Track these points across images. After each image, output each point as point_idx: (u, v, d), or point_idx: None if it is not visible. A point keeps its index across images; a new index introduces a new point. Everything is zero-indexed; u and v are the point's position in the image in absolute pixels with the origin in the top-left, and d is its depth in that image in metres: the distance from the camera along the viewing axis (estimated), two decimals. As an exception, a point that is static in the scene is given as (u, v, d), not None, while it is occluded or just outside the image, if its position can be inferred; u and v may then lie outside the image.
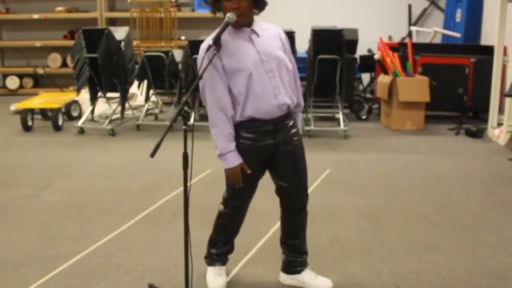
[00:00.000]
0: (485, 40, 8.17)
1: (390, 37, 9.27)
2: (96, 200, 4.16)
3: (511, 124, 6.11)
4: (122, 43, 6.45)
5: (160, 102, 7.58)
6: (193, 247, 3.15)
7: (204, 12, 9.01)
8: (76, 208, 3.98)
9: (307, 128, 6.41)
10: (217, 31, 2.40)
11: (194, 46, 6.40)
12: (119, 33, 6.48)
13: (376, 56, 7.14)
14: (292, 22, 7.69)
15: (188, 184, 2.42)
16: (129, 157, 5.43)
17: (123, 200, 4.17)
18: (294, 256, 2.79)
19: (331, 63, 6.39)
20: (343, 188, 4.53)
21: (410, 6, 9.48)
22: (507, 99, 6.04)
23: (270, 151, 2.58)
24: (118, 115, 6.70)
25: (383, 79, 7.09)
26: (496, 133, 6.34)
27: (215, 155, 2.55)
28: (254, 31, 2.48)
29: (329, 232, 3.56)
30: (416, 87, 6.82)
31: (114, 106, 6.86)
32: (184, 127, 2.38)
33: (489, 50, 7.34)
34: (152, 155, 2.35)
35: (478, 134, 6.55)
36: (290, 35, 6.38)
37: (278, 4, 9.08)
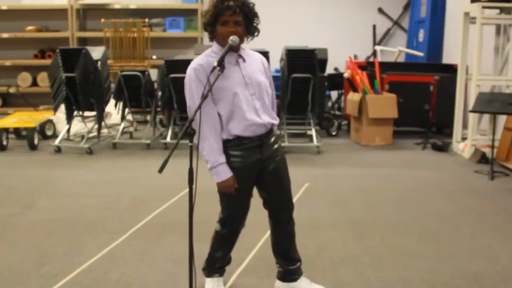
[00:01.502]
0: (446, 59, 8.57)
1: (355, 56, 9.59)
2: (83, 218, 4.19)
3: (475, 138, 6.44)
4: (99, 63, 6.50)
5: (134, 121, 7.62)
6: (185, 260, 3.26)
7: (175, 32, 9.17)
8: (64, 226, 4.00)
9: (281, 144, 6.57)
10: (217, 53, 2.60)
11: (170, 65, 6.52)
12: (96, 52, 6.53)
13: (346, 75, 7.40)
14: (263, 41, 7.89)
15: (193, 198, 2.52)
16: (109, 175, 5.47)
17: (111, 217, 4.21)
18: (289, 264, 2.92)
19: (304, 82, 6.60)
20: (323, 200, 4.70)
21: (374, 27, 9.85)
22: (471, 115, 6.36)
23: (259, 166, 2.70)
24: (94, 134, 6.72)
25: (353, 97, 7.35)
26: (461, 147, 6.66)
27: (207, 169, 2.64)
28: (241, 56, 2.65)
29: (315, 242, 3.70)
30: (384, 104, 7.10)
31: (89, 124, 6.88)
32: (190, 144, 2.48)
33: (451, 68, 7.73)
34: (160, 171, 2.45)
35: (443, 148, 6.86)
36: (265, 55, 6.58)
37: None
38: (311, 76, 6.55)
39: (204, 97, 2.46)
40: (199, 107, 2.45)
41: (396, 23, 9.90)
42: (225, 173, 2.62)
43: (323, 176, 5.50)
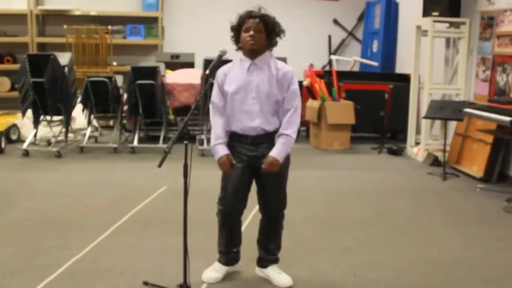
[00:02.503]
0: (399, 69, 9.20)
1: (311, 65, 10.12)
2: (64, 216, 4.44)
3: (427, 143, 7.04)
4: (66, 68, 6.72)
5: (98, 126, 7.85)
6: (170, 252, 3.62)
7: (136, 39, 9.44)
8: (48, 223, 4.25)
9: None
10: (243, 60, 3.09)
11: (137, 72, 6.81)
12: (63, 58, 6.75)
13: (305, 83, 7.89)
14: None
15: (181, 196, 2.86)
16: (82, 177, 5.70)
17: (91, 215, 4.48)
18: (265, 254, 3.32)
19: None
20: (292, 200, 5.08)
21: (330, 37, 10.43)
22: (423, 121, 6.96)
23: (253, 162, 3.10)
24: (59, 138, 6.92)
25: (312, 104, 7.84)
26: (415, 151, 7.25)
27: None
28: (255, 64, 3.04)
29: (289, 236, 4.05)
30: (342, 111, 7.62)
31: (54, 129, 7.06)
32: (185, 142, 2.84)
33: (404, 77, 8.34)
34: (160, 165, 2.85)
35: (398, 152, 7.43)
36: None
37: (210, 33, 9.73)
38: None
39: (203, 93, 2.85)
40: (203, 100, 2.82)
41: (351, 33, 10.51)
42: (220, 152, 3.07)
43: (290, 178, 5.91)
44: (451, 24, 6.97)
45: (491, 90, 6.39)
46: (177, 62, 8.53)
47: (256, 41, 2.97)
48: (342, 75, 8.34)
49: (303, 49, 10.03)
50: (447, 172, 6.19)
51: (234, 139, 3.13)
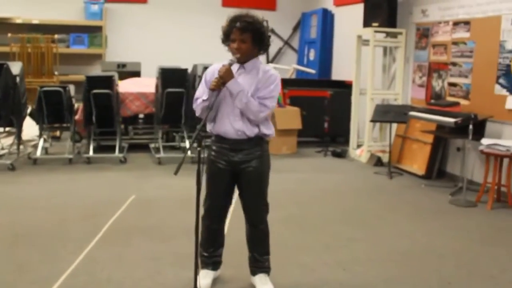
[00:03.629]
0: (336, 76, 9.51)
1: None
2: (42, 230, 4.24)
3: (370, 145, 7.33)
4: (17, 78, 6.41)
5: (49, 136, 7.53)
6: (162, 258, 3.58)
7: (79, 49, 9.13)
8: (27, 238, 4.04)
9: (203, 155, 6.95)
10: (234, 61, 3.02)
11: (91, 81, 6.61)
12: (14, 68, 6.42)
13: (254, 90, 7.97)
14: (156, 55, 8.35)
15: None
16: (44, 189, 5.45)
17: (69, 227, 4.31)
18: (253, 261, 3.29)
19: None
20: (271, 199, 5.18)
21: (267, 46, 10.59)
22: (367, 124, 7.24)
23: (232, 166, 3.08)
24: (6, 151, 6.60)
25: (261, 110, 7.93)
26: (358, 152, 7.53)
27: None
28: (243, 68, 3.05)
29: (272, 238, 4.09)
30: (290, 117, 7.78)
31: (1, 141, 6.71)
32: (198, 148, 2.83)
33: (342, 84, 8.63)
34: (176, 173, 2.80)
35: (342, 154, 7.69)
36: (184, 72, 6.95)
37: (154, 42, 9.61)
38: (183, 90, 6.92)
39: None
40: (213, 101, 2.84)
41: (287, 43, 10.73)
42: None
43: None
44: (388, 34, 7.31)
45: (427, 95, 6.78)
46: (124, 71, 8.33)
47: (241, 52, 2.96)
48: (286, 82, 8.49)
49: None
50: (392, 171, 6.49)
51: (216, 141, 3.11)
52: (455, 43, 6.24)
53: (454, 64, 6.25)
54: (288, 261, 3.69)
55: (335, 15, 9.49)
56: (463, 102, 6.03)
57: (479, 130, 5.47)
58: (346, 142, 8.04)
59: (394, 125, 7.15)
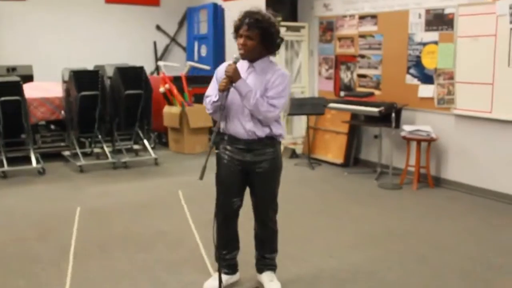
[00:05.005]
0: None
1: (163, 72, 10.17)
2: (6, 252, 4.08)
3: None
4: None
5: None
6: (153, 267, 3.72)
7: None
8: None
9: (123, 160, 6.91)
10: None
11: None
12: None
13: (162, 90, 8.05)
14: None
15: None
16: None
17: (33, 247, 4.19)
18: (260, 258, 3.52)
19: (135, 98, 7.02)
20: (205, 201, 5.32)
21: (155, 43, 10.61)
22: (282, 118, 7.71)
23: (244, 166, 3.25)
24: None
25: (171, 110, 8.04)
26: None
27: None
28: (253, 67, 3.18)
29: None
30: (201, 115, 7.98)
31: None
32: (216, 151, 3.02)
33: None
34: (201, 178, 2.91)
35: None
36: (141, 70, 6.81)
37: (45, 44, 9.16)
38: (142, 92, 7.01)
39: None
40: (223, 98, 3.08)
41: (173, 39, 10.84)
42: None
43: (185, 183, 6.14)
44: (289, 28, 7.85)
45: (336, 86, 7.46)
46: (14, 76, 7.86)
47: (246, 49, 3.06)
48: (189, 80, 8.66)
49: (130, 56, 9.93)
50: (311, 162, 7.06)
51: (229, 142, 3.24)
52: (362, 36, 6.97)
53: (362, 56, 6.99)
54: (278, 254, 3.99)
55: (225, 10, 9.83)
56: (375, 92, 6.78)
57: (392, 117, 6.18)
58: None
59: (301, 119, 7.76)
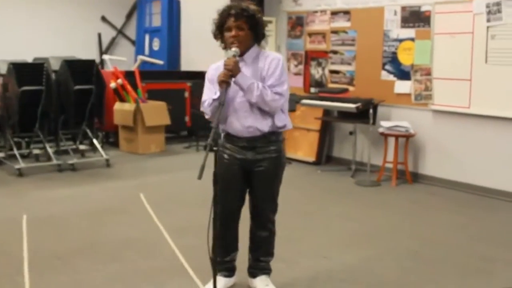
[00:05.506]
0: (185, 66, 9.49)
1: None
2: None
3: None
4: None
5: None
6: (135, 275, 3.40)
7: None
8: None
9: (69, 161, 6.41)
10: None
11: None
12: None
13: (113, 85, 7.60)
14: None
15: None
16: None
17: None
18: (254, 262, 3.26)
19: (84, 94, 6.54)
20: (171, 204, 5.08)
21: (100, 35, 10.08)
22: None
23: (245, 164, 3.02)
24: None
25: (123, 107, 7.58)
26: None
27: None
28: (244, 60, 2.95)
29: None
30: (157, 112, 7.59)
31: None
32: (214, 148, 2.73)
33: (202, 75, 8.65)
34: (199, 177, 2.61)
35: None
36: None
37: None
38: (93, 87, 6.54)
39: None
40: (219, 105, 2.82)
41: (120, 32, 10.35)
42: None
43: (142, 185, 5.74)
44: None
45: (306, 82, 7.29)
46: None
47: (239, 40, 2.89)
48: (143, 75, 8.23)
49: (72, 48, 9.27)
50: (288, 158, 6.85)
51: (228, 141, 3.04)
52: (334, 32, 6.83)
53: (335, 52, 6.84)
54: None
55: (180, 2, 9.48)
56: (348, 88, 6.67)
57: (368, 114, 6.06)
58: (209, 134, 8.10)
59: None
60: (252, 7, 2.96)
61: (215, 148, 2.75)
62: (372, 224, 4.58)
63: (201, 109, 3.04)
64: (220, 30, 2.94)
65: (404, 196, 5.49)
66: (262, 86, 2.89)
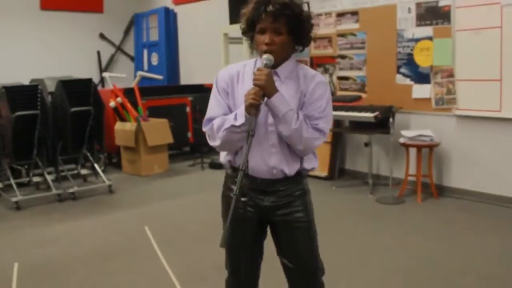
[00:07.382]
0: (184, 80, 8.63)
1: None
2: None
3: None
4: None
5: None
6: None
7: None
8: None
9: (70, 190, 5.54)
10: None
11: None
12: None
13: (113, 104, 6.74)
14: None
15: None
16: None
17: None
18: None
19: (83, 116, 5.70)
20: (179, 238, 4.21)
21: (99, 53, 9.22)
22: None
23: (262, 213, 2.13)
24: None
25: (124, 127, 6.73)
26: (240, 161, 6.84)
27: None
28: (276, 75, 2.02)
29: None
30: (160, 130, 6.74)
31: None
32: (243, 199, 1.92)
33: (202, 88, 7.82)
34: (222, 245, 1.81)
35: (222, 165, 6.91)
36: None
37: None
38: (90, 108, 5.71)
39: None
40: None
41: (119, 48, 9.49)
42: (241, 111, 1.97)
43: (150, 214, 4.89)
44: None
45: (312, 91, 6.39)
46: None
47: (274, 48, 1.96)
48: (142, 92, 7.38)
49: (71, 68, 8.50)
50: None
51: (235, 178, 1.96)
52: (341, 35, 5.94)
53: (343, 57, 5.96)
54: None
55: (177, 15, 8.60)
56: (360, 95, 5.78)
57: (385, 123, 5.18)
58: (213, 150, 7.26)
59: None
60: (297, 1, 2.02)
61: (243, 199, 1.93)
62: (391, 250, 3.76)
63: (204, 128, 2.10)
64: (250, 27, 2.01)
65: (435, 215, 4.62)
66: (302, 117, 2.01)
